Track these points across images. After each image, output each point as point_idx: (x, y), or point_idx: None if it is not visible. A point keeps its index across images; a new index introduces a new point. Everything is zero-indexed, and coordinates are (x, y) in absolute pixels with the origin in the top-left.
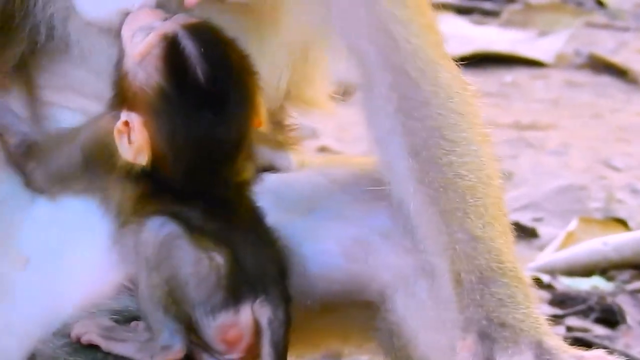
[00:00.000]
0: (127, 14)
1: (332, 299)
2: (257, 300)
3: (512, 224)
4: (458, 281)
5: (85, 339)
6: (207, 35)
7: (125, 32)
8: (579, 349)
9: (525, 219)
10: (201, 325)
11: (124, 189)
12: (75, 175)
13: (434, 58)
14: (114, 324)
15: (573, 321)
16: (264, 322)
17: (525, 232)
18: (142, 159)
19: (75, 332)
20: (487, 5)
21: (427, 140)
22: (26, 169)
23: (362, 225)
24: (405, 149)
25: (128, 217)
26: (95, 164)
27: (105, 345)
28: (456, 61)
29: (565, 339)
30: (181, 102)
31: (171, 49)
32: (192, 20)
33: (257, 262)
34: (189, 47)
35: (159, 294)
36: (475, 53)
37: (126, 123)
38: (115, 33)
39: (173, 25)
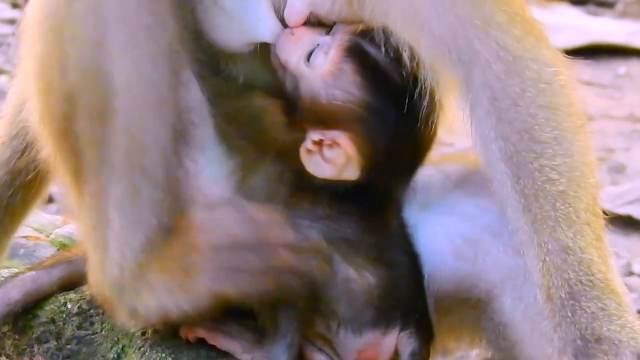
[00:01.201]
0: (276, 39)
1: (442, 298)
2: (407, 330)
3: (624, 218)
4: (549, 296)
5: (192, 337)
6: (374, 40)
7: (290, 56)
8: None
9: (638, 213)
10: (342, 339)
11: (283, 175)
12: None
13: (520, 52)
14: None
15: None
16: (405, 354)
17: (637, 226)
18: (352, 174)
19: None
20: None
21: (517, 145)
22: None
23: (474, 223)
24: (499, 153)
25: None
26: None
27: (211, 338)
28: (570, 52)
29: None
30: (383, 108)
31: (361, 60)
32: (353, 27)
33: (412, 290)
34: (374, 54)
35: (293, 305)
36: (589, 44)
37: (318, 142)
38: (273, 59)
39: (346, 36)
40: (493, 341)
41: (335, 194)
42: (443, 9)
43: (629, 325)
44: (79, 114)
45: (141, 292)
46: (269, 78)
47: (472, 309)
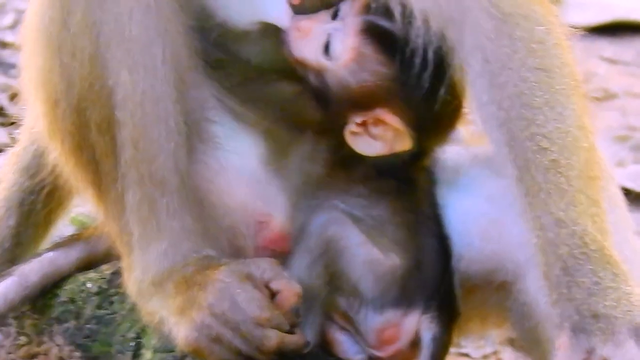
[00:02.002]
0: (285, 37)
1: (468, 279)
2: (428, 314)
3: None
4: (545, 274)
5: None
6: (381, 10)
7: (306, 52)
8: None
9: None
10: (363, 317)
11: (318, 154)
12: None
13: (511, 9)
14: None
15: None
16: (426, 338)
17: None
18: (405, 144)
19: None
20: None
21: (510, 111)
22: None
23: (499, 203)
24: (493, 119)
25: (311, 186)
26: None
27: None
28: (593, 30)
29: None
30: (412, 75)
31: (379, 37)
32: (357, 4)
33: (437, 274)
34: (388, 26)
35: (316, 284)
36: (613, 22)
37: (362, 123)
38: (289, 57)
39: (355, 18)
40: (517, 322)
41: (370, 173)
42: None
43: (625, 298)
44: (90, 126)
45: (153, 298)
46: (279, 59)
47: (498, 289)
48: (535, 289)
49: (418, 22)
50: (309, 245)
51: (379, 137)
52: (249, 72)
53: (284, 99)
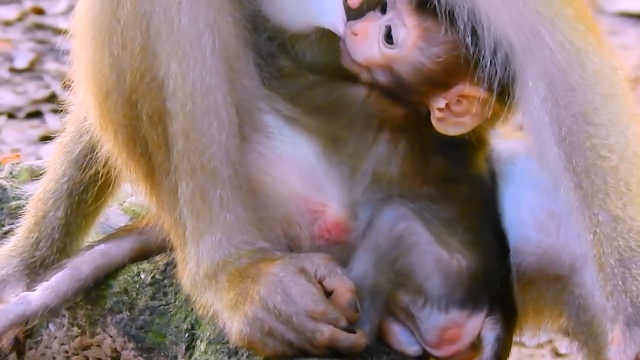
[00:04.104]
0: (343, 45)
1: (525, 272)
2: (493, 316)
3: None
4: (600, 266)
5: None
6: None
7: (368, 52)
8: None
9: None
10: (427, 315)
11: (394, 155)
12: None
13: (583, 47)
14: None
15: None
16: (488, 340)
17: None
18: (492, 108)
19: None
20: None
21: (572, 127)
22: None
23: (556, 195)
24: (552, 137)
25: (385, 182)
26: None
27: None
28: (634, 16)
29: None
30: (473, 40)
31: (435, 10)
32: None
33: (501, 276)
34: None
35: (381, 279)
36: None
37: (445, 106)
38: (350, 66)
39: (402, 4)
40: (573, 315)
41: (443, 175)
42: None
43: None
44: (142, 118)
45: (207, 290)
46: (339, 65)
47: (554, 282)
48: (592, 282)
49: (487, 50)
50: (377, 239)
51: (465, 112)
52: (309, 78)
53: (352, 104)
